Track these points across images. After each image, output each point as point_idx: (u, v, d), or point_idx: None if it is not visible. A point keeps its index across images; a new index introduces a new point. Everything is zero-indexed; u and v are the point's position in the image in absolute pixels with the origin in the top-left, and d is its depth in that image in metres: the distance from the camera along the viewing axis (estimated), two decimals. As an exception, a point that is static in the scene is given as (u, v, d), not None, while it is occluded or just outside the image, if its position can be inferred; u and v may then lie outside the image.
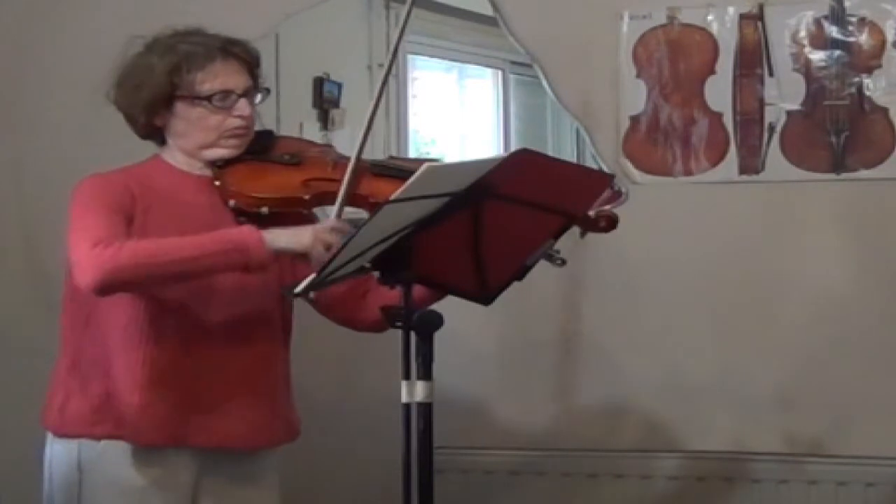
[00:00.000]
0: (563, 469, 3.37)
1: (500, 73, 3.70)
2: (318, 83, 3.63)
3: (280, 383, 2.64)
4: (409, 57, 3.67)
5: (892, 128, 3.22)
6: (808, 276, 3.28)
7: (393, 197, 2.11)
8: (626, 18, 3.36)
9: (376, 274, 2.29)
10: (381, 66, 3.56)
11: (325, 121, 3.63)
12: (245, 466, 2.60)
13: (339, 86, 3.64)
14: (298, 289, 2.27)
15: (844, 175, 3.25)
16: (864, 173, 3.24)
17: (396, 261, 2.23)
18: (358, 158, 2.53)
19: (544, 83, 3.42)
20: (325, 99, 3.63)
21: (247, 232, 2.40)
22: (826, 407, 3.27)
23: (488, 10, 3.44)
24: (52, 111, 3.60)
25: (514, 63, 3.61)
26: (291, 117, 3.58)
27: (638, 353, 3.36)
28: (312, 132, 3.58)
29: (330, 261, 2.19)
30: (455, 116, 3.85)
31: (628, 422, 3.38)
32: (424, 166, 2.11)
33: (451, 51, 3.75)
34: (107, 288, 2.39)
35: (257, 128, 2.74)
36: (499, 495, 3.41)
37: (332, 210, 2.51)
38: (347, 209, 2.55)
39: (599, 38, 3.37)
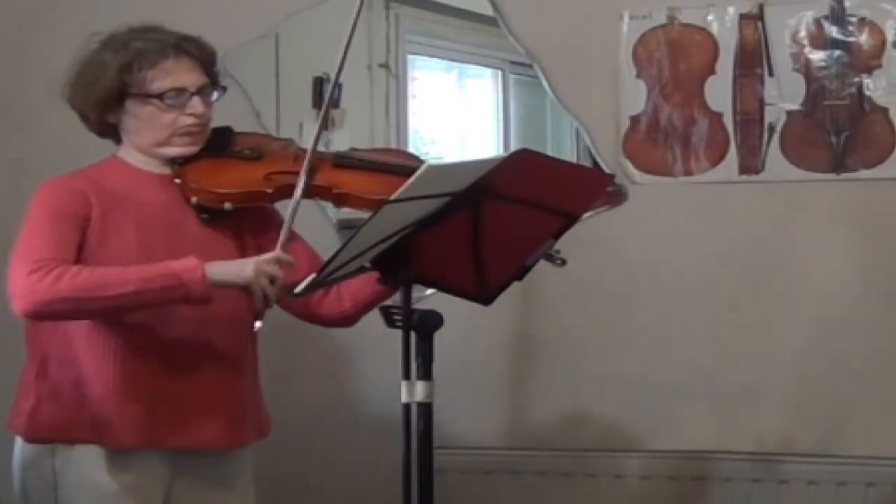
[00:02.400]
0: (563, 469, 3.37)
1: (499, 73, 3.70)
2: (318, 83, 3.63)
3: (249, 382, 2.64)
4: (409, 57, 3.67)
5: (892, 128, 3.22)
6: (808, 275, 3.28)
7: (393, 197, 2.11)
8: (626, 18, 3.35)
9: (376, 274, 2.30)
10: (381, 65, 3.56)
11: (324, 121, 3.63)
12: (218, 468, 2.60)
13: (339, 86, 3.63)
14: (298, 289, 2.27)
15: (844, 175, 3.25)
16: (864, 173, 3.24)
17: (396, 261, 2.23)
18: (313, 151, 2.52)
19: (544, 83, 3.42)
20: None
21: (190, 267, 2.38)
22: (826, 407, 3.27)
23: (488, 10, 3.44)
24: (52, 111, 3.58)
25: (514, 63, 3.60)
26: (291, 117, 3.58)
27: (637, 354, 3.36)
28: (312, 132, 3.56)
29: (330, 260, 2.19)
30: (455, 116, 3.84)
31: (628, 422, 3.38)
32: (425, 166, 2.11)
33: (450, 51, 3.75)
34: (39, 317, 2.40)
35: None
36: (499, 495, 3.40)
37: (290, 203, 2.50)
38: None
39: (599, 38, 3.37)
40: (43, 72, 3.61)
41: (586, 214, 2.50)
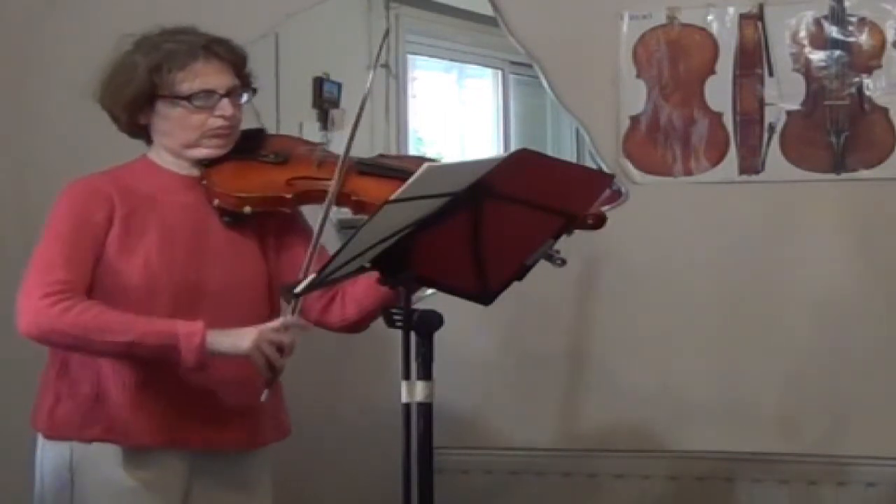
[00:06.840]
0: (563, 469, 3.37)
1: (499, 73, 3.70)
2: (318, 83, 3.63)
3: None
4: (409, 57, 3.67)
5: (892, 128, 3.22)
6: (808, 275, 3.28)
7: (393, 197, 2.11)
8: (626, 18, 3.36)
9: (376, 273, 2.29)
10: (382, 66, 3.56)
11: (324, 121, 3.63)
12: (236, 468, 2.60)
13: (339, 86, 3.64)
14: (298, 289, 2.27)
15: (844, 175, 3.25)
16: (864, 173, 3.24)
17: (396, 261, 2.23)
18: (345, 160, 2.51)
19: (544, 83, 3.42)
20: (324, 99, 3.63)
21: (191, 332, 2.37)
22: (826, 407, 3.27)
23: (488, 10, 3.44)
24: (52, 111, 3.60)
25: (514, 63, 3.60)
26: (291, 117, 3.58)
27: (637, 353, 3.36)
28: (312, 132, 3.58)
29: (330, 261, 2.19)
30: (455, 116, 3.84)
31: (628, 422, 3.38)
32: (424, 166, 2.11)
33: (450, 51, 3.75)
34: (37, 341, 2.43)
35: (255, 126, 2.73)
36: (499, 495, 3.41)
37: (319, 213, 2.50)
38: (344, 210, 2.56)
39: (599, 38, 3.37)
40: (43, 72, 3.64)
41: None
